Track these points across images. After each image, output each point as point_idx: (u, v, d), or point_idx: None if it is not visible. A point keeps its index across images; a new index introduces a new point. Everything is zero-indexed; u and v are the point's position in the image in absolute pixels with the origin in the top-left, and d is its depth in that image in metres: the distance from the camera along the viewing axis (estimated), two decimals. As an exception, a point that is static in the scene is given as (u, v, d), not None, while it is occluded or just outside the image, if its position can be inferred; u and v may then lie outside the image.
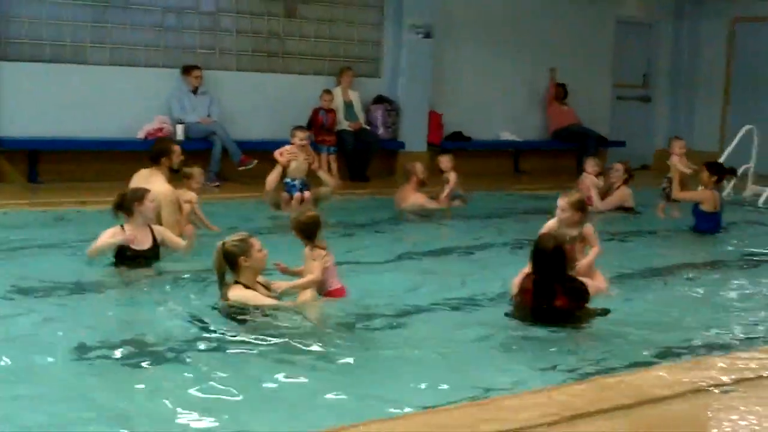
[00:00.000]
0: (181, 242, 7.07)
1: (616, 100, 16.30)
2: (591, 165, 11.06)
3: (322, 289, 5.89)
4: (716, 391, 4.26)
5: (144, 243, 6.78)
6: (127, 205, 6.64)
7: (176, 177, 8.06)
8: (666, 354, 5.12)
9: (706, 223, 9.32)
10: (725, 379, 4.42)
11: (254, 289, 5.57)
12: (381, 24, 13.62)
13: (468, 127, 14.27)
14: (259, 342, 4.99)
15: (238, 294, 5.50)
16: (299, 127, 10.46)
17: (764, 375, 4.50)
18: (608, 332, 5.55)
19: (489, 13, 14.53)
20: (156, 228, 6.92)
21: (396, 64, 13.60)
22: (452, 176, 10.88)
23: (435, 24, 13.68)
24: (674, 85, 16.86)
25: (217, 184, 11.35)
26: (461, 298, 6.28)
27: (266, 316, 5.40)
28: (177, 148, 8.09)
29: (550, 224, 6.51)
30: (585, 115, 15.19)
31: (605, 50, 15.92)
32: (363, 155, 12.87)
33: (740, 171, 12.58)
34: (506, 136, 14.64)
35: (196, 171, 8.31)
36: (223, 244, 5.52)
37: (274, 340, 5.01)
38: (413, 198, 10.45)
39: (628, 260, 7.76)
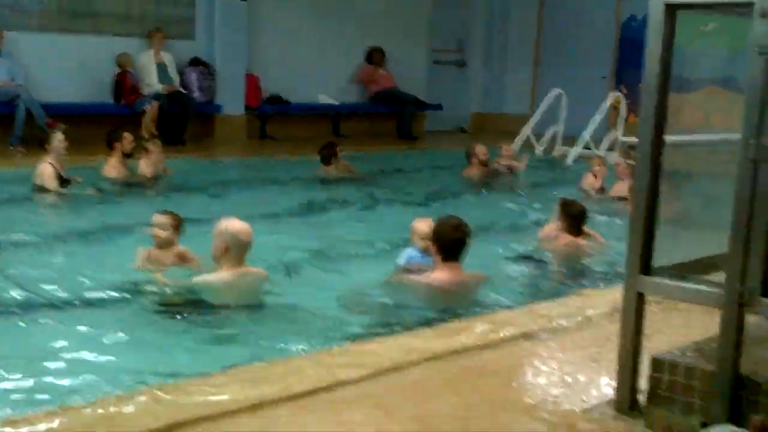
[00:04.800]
0: None
1: (432, 64, 16.53)
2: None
3: None
4: (522, 340, 4.38)
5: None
6: None
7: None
8: (472, 309, 5.24)
9: None
10: (531, 328, 4.55)
11: None
12: (194, -16, 13.26)
13: (287, 91, 14.11)
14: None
15: None
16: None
17: (564, 324, 4.66)
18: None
19: (306, -26, 14.41)
20: None
21: (210, 25, 13.27)
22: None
23: (251, -15, 13.45)
24: (488, 49, 17.25)
25: (21, 149, 10.78)
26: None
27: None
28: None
29: None
30: (402, 79, 15.33)
31: (421, 15, 16.08)
32: (179, 119, 12.52)
33: (549, 133, 13.07)
34: (324, 99, 14.59)
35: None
36: None
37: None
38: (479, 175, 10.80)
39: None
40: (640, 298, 3.50)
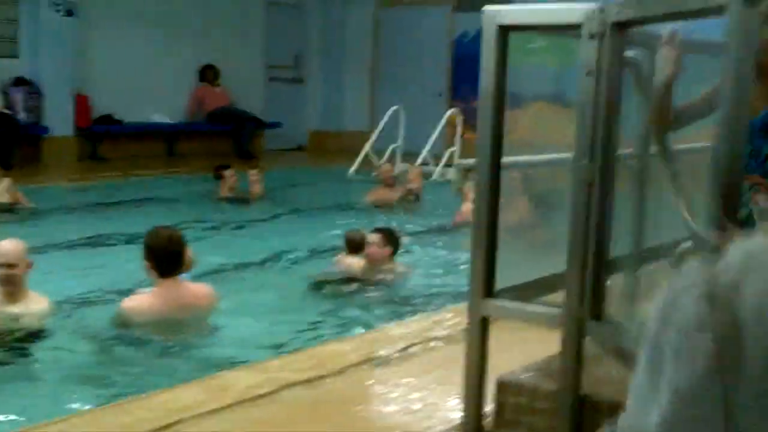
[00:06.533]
0: None
1: (269, 81, 16.36)
2: None
3: None
4: (366, 366, 4.29)
5: None
6: None
7: None
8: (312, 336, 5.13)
9: None
10: (374, 354, 4.48)
11: None
12: (17, 1, 12.63)
13: (119, 110, 13.65)
14: None
15: None
16: None
17: (407, 347, 4.61)
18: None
19: (137, -9, 14.00)
20: None
21: (35, 44, 12.69)
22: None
23: (78, 2, 12.93)
24: (325, 66, 17.20)
25: None
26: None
27: None
28: None
29: None
30: (239, 97, 15.11)
31: (256, 31, 15.90)
32: (4, 142, 11.88)
33: (389, 150, 13.12)
34: (158, 118, 14.19)
35: None
36: None
37: None
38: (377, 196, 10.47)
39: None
40: (484, 321, 3.48)
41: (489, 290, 3.45)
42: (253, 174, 10.72)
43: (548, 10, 3.39)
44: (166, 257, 5.02)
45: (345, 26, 17.10)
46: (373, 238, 6.63)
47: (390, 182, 10.57)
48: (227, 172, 10.55)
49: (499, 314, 3.50)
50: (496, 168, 3.44)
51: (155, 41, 14.17)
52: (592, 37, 3.15)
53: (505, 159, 3.47)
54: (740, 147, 2.51)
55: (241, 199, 10.35)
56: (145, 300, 5.15)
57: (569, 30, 3.44)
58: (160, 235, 5.07)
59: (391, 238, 6.76)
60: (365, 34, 16.97)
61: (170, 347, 4.94)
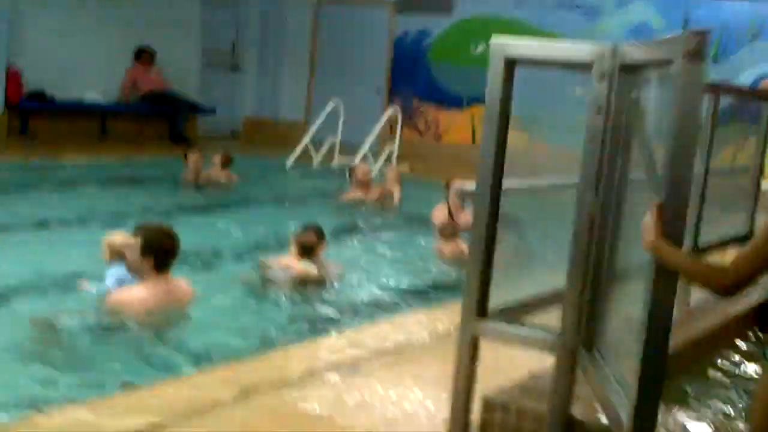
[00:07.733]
0: None
1: (205, 66, 16.16)
2: None
3: None
4: (336, 372, 4.31)
5: None
6: None
7: None
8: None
9: None
10: (348, 358, 4.50)
11: None
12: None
13: (51, 87, 13.32)
14: None
15: None
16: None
17: (379, 352, 4.65)
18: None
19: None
20: None
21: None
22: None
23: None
24: (262, 55, 17.02)
25: None
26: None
27: None
28: None
29: None
30: (174, 81, 14.89)
31: (193, 15, 15.66)
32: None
33: (327, 143, 13.12)
34: (91, 96, 13.89)
35: None
36: None
37: None
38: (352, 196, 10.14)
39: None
40: (475, 342, 3.55)
41: (482, 311, 3.53)
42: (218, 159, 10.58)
43: (558, 47, 3.46)
44: (165, 253, 5.12)
45: (283, 17, 16.92)
46: (313, 236, 6.52)
47: (367, 183, 10.18)
48: (191, 156, 10.36)
49: (491, 336, 3.57)
50: (496, 192, 3.51)
51: (91, 19, 13.86)
52: (602, 76, 3.26)
53: (507, 183, 3.54)
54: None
55: (202, 185, 10.28)
56: (135, 293, 5.12)
57: (578, 68, 3.52)
58: (162, 232, 5.19)
59: (323, 234, 6.64)
60: (303, 28, 16.79)
61: (159, 342, 4.91)
